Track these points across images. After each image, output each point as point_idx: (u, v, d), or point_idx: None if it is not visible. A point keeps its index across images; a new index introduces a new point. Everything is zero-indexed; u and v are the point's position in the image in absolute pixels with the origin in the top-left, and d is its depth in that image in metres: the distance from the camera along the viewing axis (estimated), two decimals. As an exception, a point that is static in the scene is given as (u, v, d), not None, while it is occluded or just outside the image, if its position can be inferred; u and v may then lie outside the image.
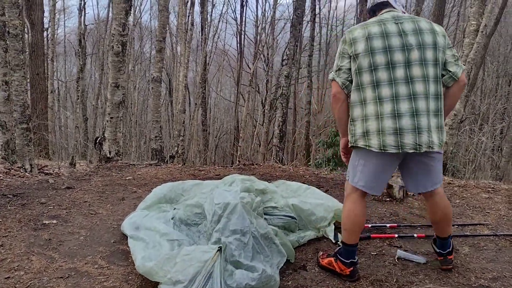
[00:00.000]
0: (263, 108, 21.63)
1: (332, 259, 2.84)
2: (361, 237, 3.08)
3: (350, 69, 2.57)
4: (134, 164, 5.48)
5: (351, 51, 2.53)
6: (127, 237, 3.13)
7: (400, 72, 2.45)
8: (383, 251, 3.17)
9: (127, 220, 3.33)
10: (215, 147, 24.97)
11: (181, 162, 11.05)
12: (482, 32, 6.07)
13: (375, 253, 3.15)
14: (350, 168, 2.73)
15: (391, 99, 2.44)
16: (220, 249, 2.50)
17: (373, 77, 2.47)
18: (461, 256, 3.13)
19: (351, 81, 2.59)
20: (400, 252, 3.11)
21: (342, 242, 2.80)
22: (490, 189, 4.70)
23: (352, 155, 2.72)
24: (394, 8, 2.66)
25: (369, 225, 3.56)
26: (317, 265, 2.95)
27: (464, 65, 6.32)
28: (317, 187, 4.10)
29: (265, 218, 3.21)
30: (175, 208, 3.56)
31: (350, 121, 2.63)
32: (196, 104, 16.74)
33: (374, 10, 2.70)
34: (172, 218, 3.37)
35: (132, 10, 6.75)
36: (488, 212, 3.99)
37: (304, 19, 13.99)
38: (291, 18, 8.68)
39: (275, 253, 2.86)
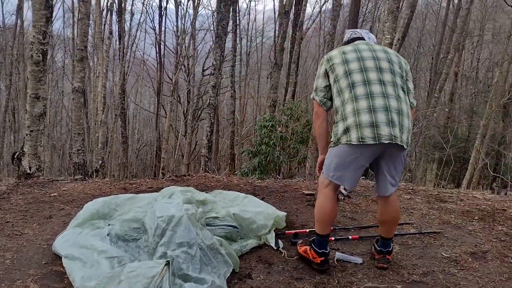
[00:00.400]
0: (185, 119, 21.43)
1: (308, 247, 3.06)
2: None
3: (326, 87, 2.89)
4: (57, 180, 5.15)
5: (328, 67, 2.86)
6: (60, 257, 2.94)
7: (373, 75, 2.75)
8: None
9: (59, 239, 3.13)
10: (134, 160, 24.22)
11: (101, 176, 10.58)
12: (395, 45, 6.58)
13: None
14: (326, 163, 2.90)
15: (366, 97, 2.70)
16: (168, 263, 2.44)
17: (349, 81, 2.76)
18: (392, 255, 3.33)
19: (328, 99, 2.90)
20: (338, 254, 3.24)
21: (315, 232, 3.01)
22: (410, 191, 5.06)
23: (328, 153, 2.90)
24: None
25: (307, 230, 3.66)
26: (296, 253, 3.17)
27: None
28: (253, 195, 4.14)
29: (207, 229, 3.18)
30: (109, 224, 3.41)
31: (334, 125, 2.85)
32: (115, 115, 16.15)
33: (348, 43, 3.03)
34: (108, 235, 3.22)
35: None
36: (412, 212, 4.29)
37: (225, 30, 14.18)
38: (217, 29, 8.76)
39: (221, 264, 2.84)
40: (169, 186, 4.92)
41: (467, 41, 19.38)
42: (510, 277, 3.01)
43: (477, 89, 19.78)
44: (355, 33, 3.09)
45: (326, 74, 2.87)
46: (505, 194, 5.89)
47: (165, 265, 2.43)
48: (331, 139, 2.86)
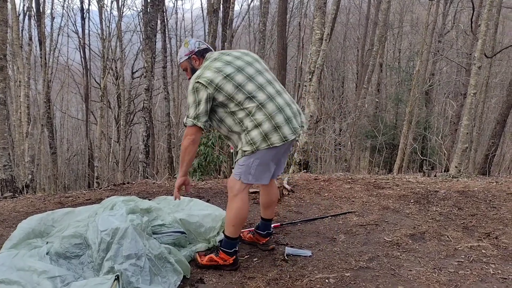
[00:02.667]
0: (117, 124, 20.74)
1: (212, 255, 3.05)
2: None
3: (206, 112, 2.83)
4: (-16, 200, 4.78)
5: (213, 90, 2.79)
6: (-4, 283, 2.73)
7: (260, 79, 2.88)
8: (273, 251, 3.31)
9: (-8, 263, 2.90)
10: (64, 171, 23.06)
11: (32, 192, 9.97)
12: (325, 40, 6.77)
13: (266, 253, 3.28)
14: (243, 169, 2.89)
15: (269, 100, 2.82)
16: (117, 278, 2.34)
17: (245, 92, 2.80)
18: (339, 244, 3.43)
19: (208, 121, 2.90)
20: (288, 249, 3.28)
21: (227, 236, 3.01)
22: (350, 180, 5.23)
23: (243, 159, 2.88)
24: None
25: (253, 229, 3.67)
26: (196, 266, 3.07)
27: (313, 70, 6.95)
28: (198, 198, 4.09)
29: (154, 238, 3.09)
30: (48, 242, 3.22)
31: (244, 133, 2.84)
32: (42, 125, 15.27)
33: (202, 54, 3.06)
34: (47, 253, 3.03)
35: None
36: (353, 201, 4.44)
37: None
38: (145, 30, 8.53)
39: (170, 273, 2.78)
40: (107, 195, 4.76)
41: (388, 33, 20.36)
42: (448, 254, 3.20)
43: (401, 78, 20.87)
44: (203, 43, 3.12)
45: (210, 98, 2.81)
46: (435, 176, 6.26)
47: (114, 280, 2.33)
48: (244, 148, 2.85)
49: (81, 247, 3.01)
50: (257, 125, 2.78)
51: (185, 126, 2.91)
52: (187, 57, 3.06)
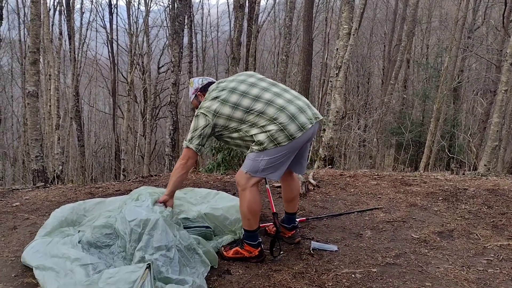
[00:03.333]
0: (143, 118, 21.03)
1: (237, 248, 3.10)
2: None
3: (200, 136, 2.98)
4: (18, 189, 4.93)
5: (211, 118, 2.94)
6: (31, 268, 2.83)
7: (254, 91, 2.96)
8: (299, 244, 3.33)
9: (28, 249, 3.00)
10: (91, 163, 23.53)
11: (60, 182, 10.23)
12: (353, 35, 6.71)
13: (292, 247, 3.30)
14: (252, 164, 2.93)
15: (267, 105, 2.88)
16: (149, 266, 2.40)
17: (242, 109, 2.90)
18: (365, 240, 3.42)
19: (203, 145, 3.03)
20: (314, 243, 3.29)
21: (246, 230, 3.06)
22: (376, 176, 5.19)
23: (253, 154, 2.92)
24: None
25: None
26: (221, 258, 3.10)
27: (340, 65, 6.90)
28: (224, 191, 4.13)
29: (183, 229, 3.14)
30: (79, 231, 3.31)
31: (252, 139, 2.90)
32: (71, 118, 15.64)
33: (205, 88, 3.20)
34: (79, 242, 3.12)
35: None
36: (380, 197, 4.41)
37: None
38: (173, 25, 8.62)
39: (198, 263, 2.82)
40: (136, 187, 4.84)
41: (416, 28, 20.01)
42: (476, 252, 3.16)
43: (428, 74, 20.49)
44: (205, 79, 3.29)
45: (209, 125, 2.95)
46: (463, 174, 6.15)
47: (146, 269, 2.39)
48: (253, 146, 2.91)
49: (111, 237, 3.09)
50: (263, 130, 2.84)
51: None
52: (194, 95, 3.27)
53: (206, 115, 2.95)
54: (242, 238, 3.14)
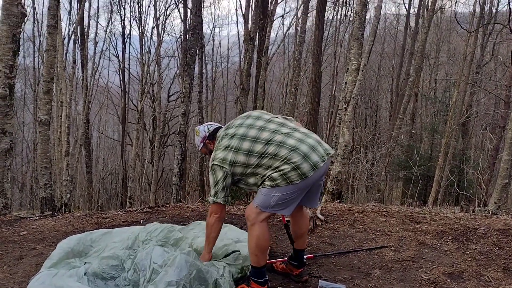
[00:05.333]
0: (151, 146, 21.14)
1: (244, 285, 3.06)
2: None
3: (224, 188, 2.98)
4: (26, 217, 4.94)
5: (227, 168, 2.94)
6: (36, 301, 2.82)
7: (265, 134, 2.93)
8: (306, 283, 3.28)
9: (33, 281, 2.99)
10: (98, 189, 23.57)
11: (69, 210, 10.23)
12: (362, 70, 6.79)
13: (299, 285, 3.25)
14: (263, 198, 2.91)
15: (279, 147, 2.86)
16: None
17: (255, 155, 2.89)
18: (374, 279, 3.37)
19: (229, 195, 3.04)
20: (322, 282, 3.24)
21: (253, 266, 3.02)
22: (385, 213, 5.14)
23: (265, 190, 2.91)
24: None
25: (286, 259, 3.64)
26: None
27: (349, 100, 6.95)
28: (231, 224, 4.11)
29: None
30: (86, 263, 3.30)
31: (265, 176, 2.90)
32: (80, 145, 15.77)
33: (213, 135, 3.22)
34: (85, 274, 3.11)
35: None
36: (389, 235, 4.35)
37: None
38: (185, 57, 8.81)
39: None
40: (143, 218, 4.86)
41: (424, 63, 20.17)
42: (488, 296, 3.09)
43: (437, 108, 20.53)
44: (211, 125, 3.29)
45: (228, 175, 2.96)
46: (473, 211, 6.08)
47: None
48: (265, 181, 2.90)
49: (117, 269, 3.09)
50: (277, 170, 2.84)
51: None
52: (202, 144, 3.26)
53: (223, 166, 2.94)
54: (249, 275, 3.10)
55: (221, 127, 3.25)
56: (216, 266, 3.11)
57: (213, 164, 2.99)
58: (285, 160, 2.82)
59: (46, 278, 3.00)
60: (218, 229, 3.11)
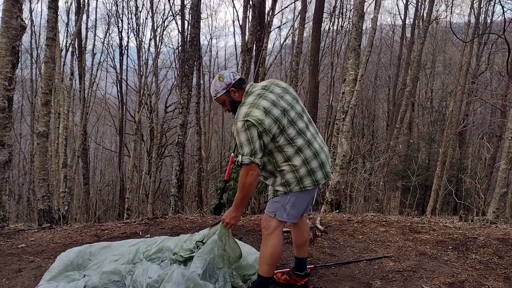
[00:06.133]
0: (148, 157, 21.10)
1: None
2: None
3: (261, 148, 2.79)
4: (24, 230, 4.91)
5: (262, 129, 2.75)
6: (34, 315, 2.80)
7: (300, 123, 2.90)
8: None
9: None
10: (95, 201, 23.46)
11: (67, 222, 10.16)
12: (359, 80, 6.84)
13: (300, 297, 3.23)
14: (278, 206, 2.94)
15: (307, 145, 2.88)
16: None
17: (286, 137, 2.82)
18: (375, 290, 3.36)
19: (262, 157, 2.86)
20: (323, 294, 3.23)
21: (261, 276, 3.00)
22: (384, 223, 5.14)
23: (278, 198, 2.94)
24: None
25: (288, 270, 3.63)
26: None
27: (347, 110, 6.98)
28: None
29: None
30: (85, 275, 3.28)
31: (281, 176, 2.90)
32: (78, 156, 15.73)
33: (240, 85, 2.98)
34: (84, 287, 3.10)
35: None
36: (388, 245, 4.35)
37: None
38: (183, 68, 8.84)
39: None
40: (142, 229, 4.83)
41: (420, 73, 20.30)
42: (490, 306, 3.08)
43: (433, 118, 20.61)
44: (236, 74, 3.03)
45: (261, 136, 2.77)
46: (472, 220, 6.08)
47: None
48: (277, 188, 2.92)
49: (118, 284, 3.07)
50: (294, 169, 2.84)
51: (240, 166, 2.83)
52: (225, 91, 2.96)
53: (257, 126, 2.73)
54: (253, 287, 3.07)
55: (245, 81, 3.03)
56: (215, 278, 3.10)
57: (247, 120, 2.74)
58: (306, 162, 2.84)
59: (45, 291, 2.99)
60: (254, 188, 2.91)
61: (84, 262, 3.51)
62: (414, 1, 20.68)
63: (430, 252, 4.14)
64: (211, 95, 3.32)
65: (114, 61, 23.69)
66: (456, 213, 11.93)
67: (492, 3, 17.99)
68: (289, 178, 2.85)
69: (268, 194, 3.15)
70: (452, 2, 22.45)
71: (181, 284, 2.75)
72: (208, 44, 26.05)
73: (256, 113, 2.75)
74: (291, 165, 2.84)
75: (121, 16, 22.46)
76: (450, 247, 4.27)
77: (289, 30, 21.89)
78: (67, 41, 17.80)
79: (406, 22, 21.59)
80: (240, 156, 2.81)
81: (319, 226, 4.76)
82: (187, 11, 16.18)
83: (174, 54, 22.11)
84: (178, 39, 25.16)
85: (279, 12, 24.00)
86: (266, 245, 2.96)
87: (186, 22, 16.35)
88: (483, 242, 4.41)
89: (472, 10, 15.78)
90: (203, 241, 3.31)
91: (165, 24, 21.56)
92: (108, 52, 23.26)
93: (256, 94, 2.87)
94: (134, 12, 21.53)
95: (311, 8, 17.40)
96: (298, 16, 15.31)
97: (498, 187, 6.94)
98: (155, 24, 20.42)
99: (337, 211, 6.53)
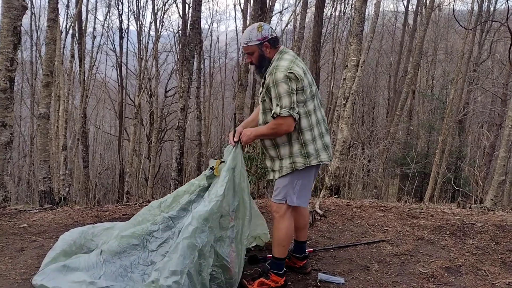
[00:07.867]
0: (148, 141, 21.12)
1: (262, 279, 3.06)
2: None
3: (297, 104, 2.80)
4: (26, 210, 4.95)
5: (300, 86, 2.79)
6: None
7: (316, 101, 2.98)
8: (306, 276, 3.31)
9: (41, 273, 2.99)
10: (95, 184, 23.53)
11: (66, 204, 10.22)
12: (361, 66, 6.83)
13: (299, 278, 3.28)
14: (288, 190, 2.96)
15: (320, 122, 2.99)
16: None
17: (311, 106, 2.90)
18: (373, 273, 3.41)
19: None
20: (321, 275, 3.28)
21: (276, 258, 3.05)
22: (382, 208, 5.18)
23: (287, 180, 2.94)
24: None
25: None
26: None
27: (348, 96, 6.98)
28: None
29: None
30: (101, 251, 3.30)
31: (301, 145, 2.89)
32: (78, 139, 15.75)
33: (275, 43, 2.94)
34: (101, 252, 3.12)
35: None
36: (387, 230, 4.40)
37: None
38: (184, 52, 8.81)
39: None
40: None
41: (422, 60, 20.23)
42: (485, 289, 3.13)
43: (434, 106, 20.60)
44: (273, 31, 2.97)
45: (296, 92, 2.78)
46: (470, 207, 6.12)
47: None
48: (296, 160, 2.88)
49: (137, 248, 3.07)
50: (313, 139, 2.90)
51: (273, 118, 2.79)
52: (259, 42, 2.87)
53: (298, 81, 2.76)
54: (269, 268, 3.11)
55: (279, 41, 3.00)
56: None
57: (290, 72, 2.73)
58: (321, 135, 2.94)
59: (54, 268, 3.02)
60: (282, 133, 2.86)
61: (86, 242, 3.52)
62: (417, -12, 20.48)
63: (427, 237, 4.19)
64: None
65: (114, 44, 23.55)
66: (454, 201, 12.00)
67: (496, -10, 17.85)
68: (310, 149, 2.88)
69: (270, 175, 3.04)
70: (455, -11, 22.25)
71: (187, 256, 2.68)
72: (209, 28, 25.89)
73: (298, 70, 2.80)
74: (312, 134, 2.90)
75: (121, -2, 22.25)
76: (447, 233, 4.32)
77: (291, 15, 21.74)
78: (67, 23, 17.67)
79: (409, 9, 21.42)
80: (277, 108, 2.75)
81: (318, 211, 4.80)
82: (188, -6, 16.06)
83: (174, 38, 22.00)
84: (178, 22, 25.03)
85: (281, -4, 23.80)
86: (280, 227, 3.00)
87: (186, 5, 16.22)
88: (480, 228, 4.46)
89: (476, -3, 15.67)
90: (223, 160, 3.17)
91: (166, 7, 21.39)
92: (108, 35, 23.11)
93: (292, 56, 2.91)
94: (134, -6, 21.31)
95: (313, -7, 17.25)
96: (300, 0, 15.20)
97: (496, 174, 6.99)
98: (156, 7, 20.28)
99: (336, 196, 6.58)
